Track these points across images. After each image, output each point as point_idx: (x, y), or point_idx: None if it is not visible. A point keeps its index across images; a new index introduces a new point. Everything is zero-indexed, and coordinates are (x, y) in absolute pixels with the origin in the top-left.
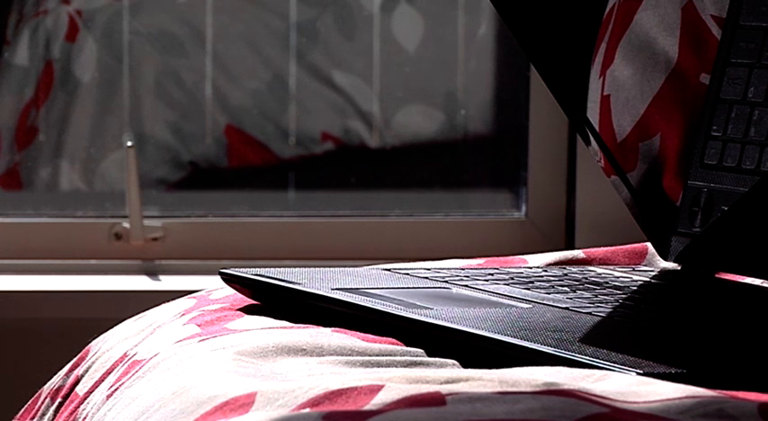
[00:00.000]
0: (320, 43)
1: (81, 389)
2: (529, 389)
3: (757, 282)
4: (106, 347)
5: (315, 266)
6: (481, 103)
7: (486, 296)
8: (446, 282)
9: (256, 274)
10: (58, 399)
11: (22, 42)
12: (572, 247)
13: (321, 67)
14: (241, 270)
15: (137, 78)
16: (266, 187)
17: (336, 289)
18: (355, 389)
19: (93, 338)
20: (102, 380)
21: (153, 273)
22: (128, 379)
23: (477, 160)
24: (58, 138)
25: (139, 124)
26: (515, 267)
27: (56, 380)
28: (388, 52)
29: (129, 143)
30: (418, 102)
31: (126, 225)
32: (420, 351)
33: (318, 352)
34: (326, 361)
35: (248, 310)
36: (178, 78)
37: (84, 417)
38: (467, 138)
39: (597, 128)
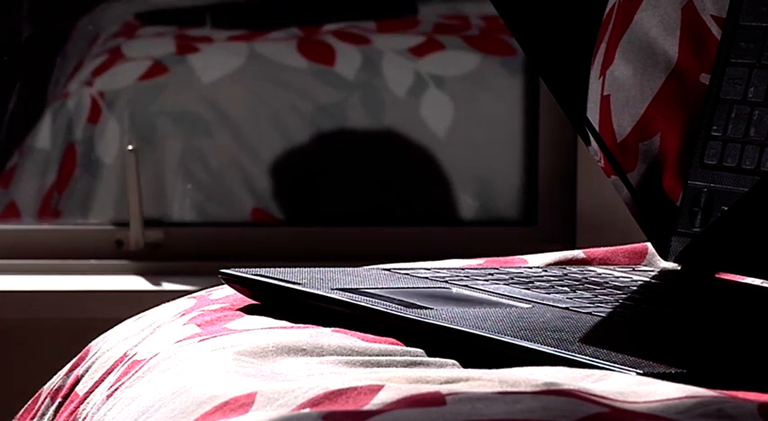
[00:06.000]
0: (348, 125)
1: (81, 389)
2: (529, 389)
3: (757, 282)
4: (106, 347)
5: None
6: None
7: (486, 296)
8: (446, 281)
9: (256, 274)
10: (58, 399)
11: (44, 126)
12: (572, 247)
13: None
14: (241, 270)
15: (161, 159)
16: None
17: (336, 289)
18: (355, 389)
19: (94, 338)
20: (102, 380)
21: (153, 279)
22: (128, 379)
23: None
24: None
25: (164, 204)
26: (515, 267)
27: (56, 380)
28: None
29: (131, 147)
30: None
31: (127, 231)
32: (420, 351)
33: (318, 352)
34: (326, 361)
35: (248, 310)
36: (203, 159)
37: (84, 417)
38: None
39: (597, 128)
